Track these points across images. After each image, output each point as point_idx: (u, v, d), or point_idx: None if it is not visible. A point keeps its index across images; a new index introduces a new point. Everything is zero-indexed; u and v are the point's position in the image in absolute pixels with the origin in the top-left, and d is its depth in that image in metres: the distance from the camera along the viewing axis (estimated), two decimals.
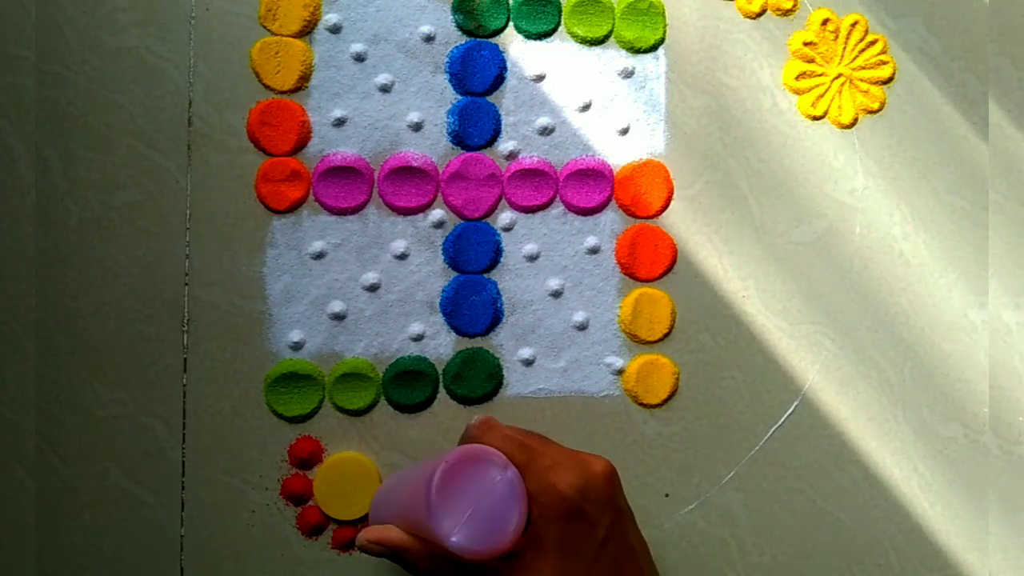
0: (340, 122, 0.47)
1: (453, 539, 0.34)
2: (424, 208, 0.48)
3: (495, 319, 0.48)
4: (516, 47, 0.49)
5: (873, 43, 0.50)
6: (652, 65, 0.49)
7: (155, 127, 0.46)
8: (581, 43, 0.49)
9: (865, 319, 0.50)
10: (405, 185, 0.48)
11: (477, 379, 0.48)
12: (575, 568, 0.36)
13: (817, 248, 0.50)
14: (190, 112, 0.46)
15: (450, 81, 0.48)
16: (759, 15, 0.50)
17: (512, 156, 0.48)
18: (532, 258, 0.48)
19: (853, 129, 0.50)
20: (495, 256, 0.48)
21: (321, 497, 0.46)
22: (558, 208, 0.49)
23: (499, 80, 0.48)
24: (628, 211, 0.49)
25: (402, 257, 0.48)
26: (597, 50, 0.49)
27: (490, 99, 0.48)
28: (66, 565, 0.45)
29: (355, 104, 0.47)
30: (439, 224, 0.48)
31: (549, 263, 0.49)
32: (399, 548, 0.37)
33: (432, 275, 0.48)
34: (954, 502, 0.50)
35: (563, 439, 0.48)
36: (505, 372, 0.48)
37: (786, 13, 0.50)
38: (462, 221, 0.48)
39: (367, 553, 0.39)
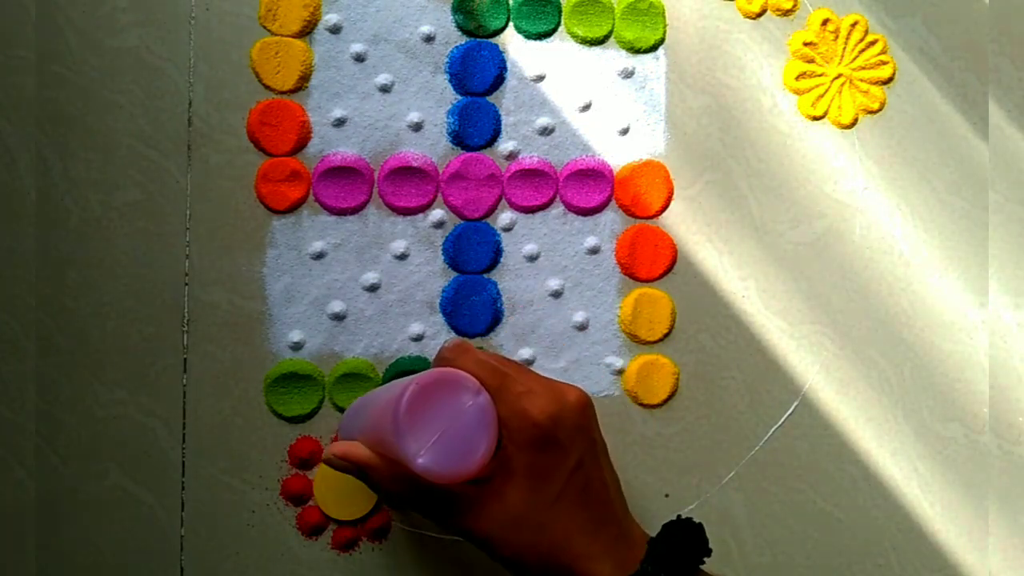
0: (340, 122, 0.47)
1: (419, 460, 0.33)
2: (424, 208, 0.48)
3: (495, 319, 0.48)
4: (516, 47, 0.49)
5: (873, 43, 0.50)
6: (652, 65, 0.49)
7: (155, 127, 0.46)
8: (581, 43, 0.49)
9: (865, 319, 0.50)
10: (405, 185, 0.48)
11: None
12: (544, 495, 0.36)
13: (817, 248, 0.50)
14: (190, 112, 0.46)
15: (450, 81, 0.48)
16: (759, 15, 0.50)
17: (512, 156, 0.48)
18: (532, 258, 0.48)
19: (853, 129, 0.50)
20: (495, 256, 0.48)
21: (321, 497, 0.46)
22: (558, 208, 0.49)
23: (499, 80, 0.48)
24: (628, 211, 0.49)
25: (402, 257, 0.48)
26: (597, 50, 0.49)
27: (490, 99, 0.48)
28: (66, 565, 0.45)
29: (355, 104, 0.47)
30: (439, 224, 0.48)
31: (549, 263, 0.49)
32: (364, 465, 0.37)
33: (432, 275, 0.48)
34: (954, 502, 0.50)
35: None
36: None
37: (786, 13, 0.50)
38: (462, 221, 0.48)
39: (333, 468, 0.38)
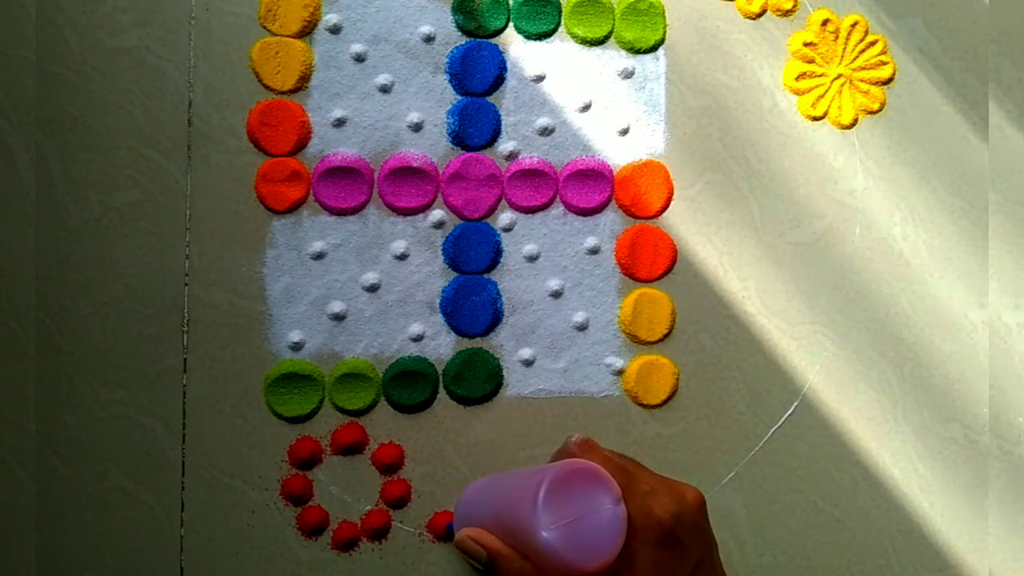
0: (340, 122, 0.47)
1: (545, 534, 0.34)
2: (424, 208, 0.48)
3: (495, 319, 0.48)
4: (516, 47, 0.49)
5: (873, 43, 0.50)
6: (652, 65, 0.49)
7: (155, 127, 0.46)
8: (581, 43, 0.49)
9: (865, 319, 0.50)
10: (405, 185, 0.48)
11: (477, 379, 0.48)
12: None
13: (817, 248, 0.50)
14: (190, 112, 0.46)
15: (450, 81, 0.48)
16: (759, 15, 0.50)
17: (512, 156, 0.48)
18: (532, 258, 0.48)
19: (853, 129, 0.50)
20: (495, 256, 0.48)
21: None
22: (558, 208, 0.49)
23: (499, 80, 0.48)
24: (628, 211, 0.49)
25: (402, 257, 0.48)
26: (597, 50, 0.49)
27: (490, 99, 0.48)
28: (66, 565, 0.45)
29: (355, 104, 0.47)
30: (439, 224, 0.48)
31: (549, 263, 0.49)
32: (496, 553, 0.37)
33: (432, 275, 0.48)
34: (954, 502, 0.50)
35: (562, 439, 0.48)
36: (505, 372, 0.48)
37: (786, 13, 0.50)
38: (462, 221, 0.48)
39: (463, 551, 0.39)
